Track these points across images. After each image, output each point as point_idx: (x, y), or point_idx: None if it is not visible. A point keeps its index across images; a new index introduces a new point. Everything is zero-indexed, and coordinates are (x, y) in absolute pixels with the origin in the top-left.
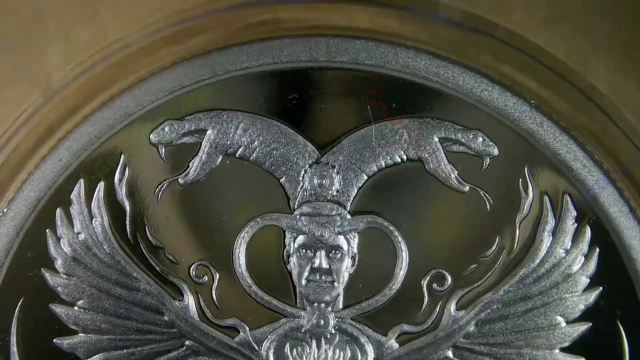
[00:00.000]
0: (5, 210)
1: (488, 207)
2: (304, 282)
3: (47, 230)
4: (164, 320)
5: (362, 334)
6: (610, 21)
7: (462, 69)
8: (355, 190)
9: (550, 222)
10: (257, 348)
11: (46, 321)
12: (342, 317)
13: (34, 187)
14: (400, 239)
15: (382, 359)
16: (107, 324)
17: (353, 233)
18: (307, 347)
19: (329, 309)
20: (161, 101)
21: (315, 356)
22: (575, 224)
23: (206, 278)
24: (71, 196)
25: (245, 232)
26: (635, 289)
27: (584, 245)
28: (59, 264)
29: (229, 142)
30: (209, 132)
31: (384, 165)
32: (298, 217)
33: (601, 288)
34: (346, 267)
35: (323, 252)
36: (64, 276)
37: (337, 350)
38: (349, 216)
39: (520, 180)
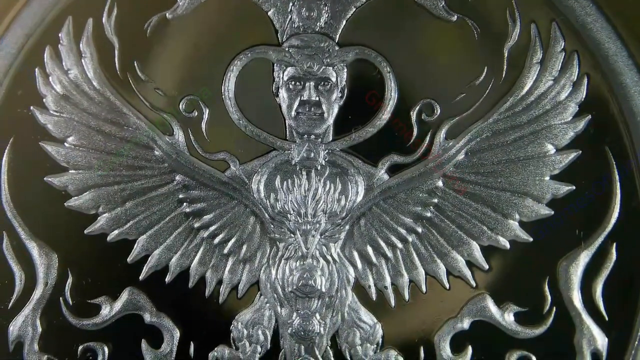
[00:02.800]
0: None
1: (476, 36)
2: (293, 114)
3: (37, 69)
4: (155, 155)
5: (352, 165)
6: None
7: None
8: (344, 22)
9: (538, 51)
10: (247, 181)
11: (37, 159)
12: (332, 149)
13: (22, 25)
14: (388, 69)
15: (373, 191)
16: (98, 160)
17: (342, 64)
18: (298, 180)
19: (319, 141)
20: None
21: (306, 188)
22: (564, 52)
23: (196, 112)
24: (60, 34)
25: (234, 66)
26: (625, 116)
27: (572, 73)
28: (48, 101)
29: None
30: None
31: None
32: (287, 49)
33: (590, 116)
34: (335, 99)
35: (312, 84)
36: (54, 113)
37: (328, 182)
38: (337, 47)
39: (508, 9)
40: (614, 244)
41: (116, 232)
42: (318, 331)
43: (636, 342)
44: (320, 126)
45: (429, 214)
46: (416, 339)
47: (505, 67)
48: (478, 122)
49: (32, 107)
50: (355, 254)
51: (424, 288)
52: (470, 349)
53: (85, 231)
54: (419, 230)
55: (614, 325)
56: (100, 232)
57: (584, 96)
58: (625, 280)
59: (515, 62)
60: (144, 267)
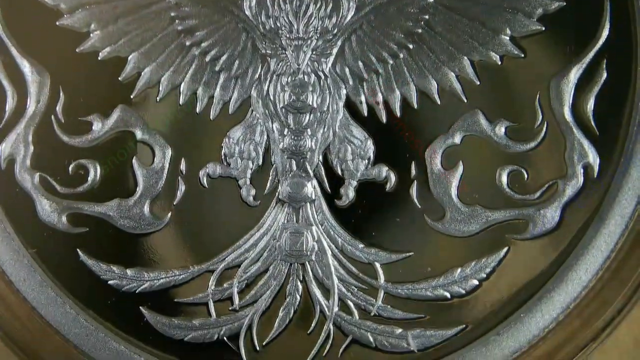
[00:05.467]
0: None
1: None
2: None
3: None
4: None
5: None
6: None
7: None
8: None
9: None
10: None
11: None
12: None
13: None
14: None
15: (364, 7)
16: None
17: None
18: None
19: None
20: None
21: (297, 4)
22: None
23: None
24: None
25: None
26: None
27: None
28: None
29: None
30: None
31: None
32: None
33: None
34: None
35: None
36: None
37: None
38: None
39: None
40: (605, 59)
41: (108, 49)
42: (309, 146)
43: (627, 156)
44: None
45: (420, 30)
46: (407, 154)
47: None
48: None
49: None
50: (347, 70)
51: (415, 103)
52: (461, 164)
53: (78, 49)
54: (410, 46)
55: (605, 140)
56: (93, 49)
57: None
58: (616, 96)
59: None
60: (136, 85)
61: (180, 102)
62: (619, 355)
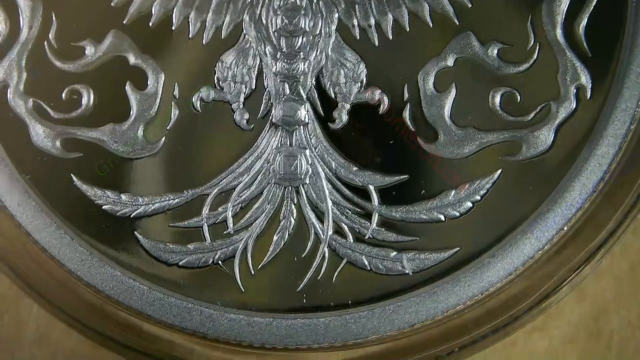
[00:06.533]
0: None
1: None
2: None
3: None
4: None
5: None
6: None
7: None
8: None
9: None
10: None
11: None
12: None
13: None
14: None
15: None
16: None
17: None
18: None
19: None
20: None
21: None
22: None
23: None
24: None
25: None
26: None
27: None
28: None
29: None
30: None
31: None
32: None
33: None
34: None
35: None
36: None
37: None
38: None
39: None
40: None
41: None
42: (302, 70)
43: (619, 77)
44: None
45: None
46: (400, 77)
47: None
48: None
49: None
50: None
51: (407, 26)
52: (454, 86)
53: None
54: None
55: (598, 61)
56: None
57: None
58: (609, 17)
59: None
60: (128, 10)
61: (173, 27)
62: (614, 279)
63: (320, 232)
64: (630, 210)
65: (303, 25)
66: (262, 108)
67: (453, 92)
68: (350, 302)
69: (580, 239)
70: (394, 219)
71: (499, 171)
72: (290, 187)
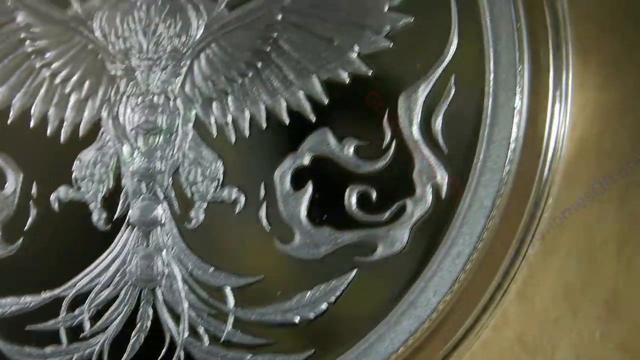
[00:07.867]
0: None
1: None
2: None
3: None
4: None
5: (191, 1)
6: None
7: None
8: None
9: None
10: (88, 18)
11: None
12: None
13: None
14: None
15: (212, 25)
16: None
17: None
18: (138, 16)
19: None
20: None
21: (146, 24)
22: None
23: None
24: None
25: None
26: None
27: None
28: None
29: None
30: None
31: None
32: None
33: None
34: None
35: None
36: None
37: (168, 18)
38: None
39: None
40: (453, 76)
41: None
42: (159, 169)
43: (475, 175)
44: None
45: (268, 48)
46: (256, 175)
47: None
48: None
49: None
50: (196, 90)
51: (264, 123)
52: (310, 185)
53: None
54: (259, 64)
55: (454, 159)
56: None
57: None
58: (465, 113)
59: None
60: None
61: (31, 125)
62: None
63: (176, 335)
64: (485, 308)
65: (160, 123)
66: (119, 208)
67: (310, 190)
68: None
69: (437, 339)
70: (250, 320)
71: (354, 271)
72: (146, 289)
